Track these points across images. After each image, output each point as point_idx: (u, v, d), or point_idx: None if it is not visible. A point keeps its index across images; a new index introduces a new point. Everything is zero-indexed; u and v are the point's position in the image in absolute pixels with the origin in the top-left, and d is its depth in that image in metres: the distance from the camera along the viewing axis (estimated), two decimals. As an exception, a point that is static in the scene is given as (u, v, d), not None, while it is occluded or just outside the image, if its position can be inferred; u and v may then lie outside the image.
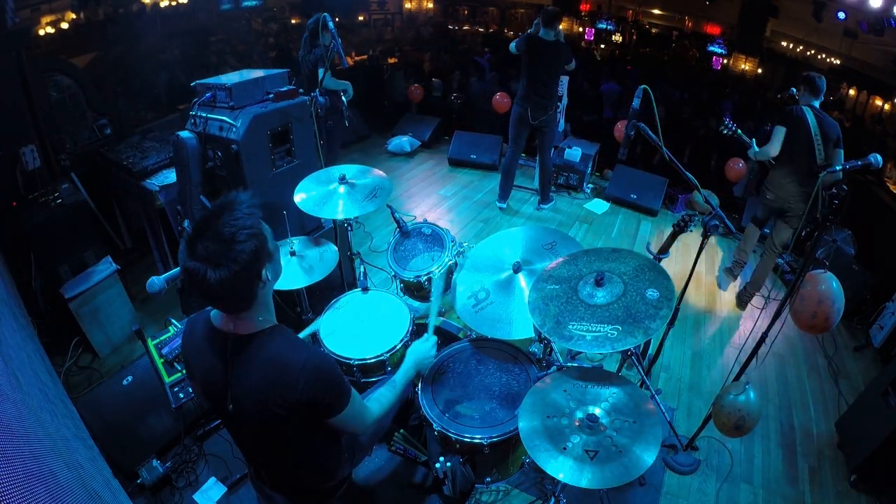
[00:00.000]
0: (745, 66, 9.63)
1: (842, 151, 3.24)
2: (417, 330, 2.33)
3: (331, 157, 4.63)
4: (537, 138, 4.66)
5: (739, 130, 3.52)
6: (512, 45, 4.40)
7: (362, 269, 2.77)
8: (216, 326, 1.28)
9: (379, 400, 1.55)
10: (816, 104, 3.26)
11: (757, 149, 3.47)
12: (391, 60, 8.10)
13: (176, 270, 1.78)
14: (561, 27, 4.42)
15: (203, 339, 1.30)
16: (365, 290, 2.44)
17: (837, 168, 2.92)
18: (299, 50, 4.27)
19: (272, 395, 1.22)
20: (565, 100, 4.94)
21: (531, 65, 4.32)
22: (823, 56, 8.45)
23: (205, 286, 1.11)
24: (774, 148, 3.31)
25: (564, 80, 4.88)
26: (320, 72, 3.86)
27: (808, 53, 8.78)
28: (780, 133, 3.29)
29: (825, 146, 3.20)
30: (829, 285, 1.96)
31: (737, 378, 2.26)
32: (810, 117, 3.20)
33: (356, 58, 7.47)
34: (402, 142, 6.35)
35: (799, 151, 3.26)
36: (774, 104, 7.22)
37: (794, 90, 5.32)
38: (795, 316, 2.03)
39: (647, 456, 1.40)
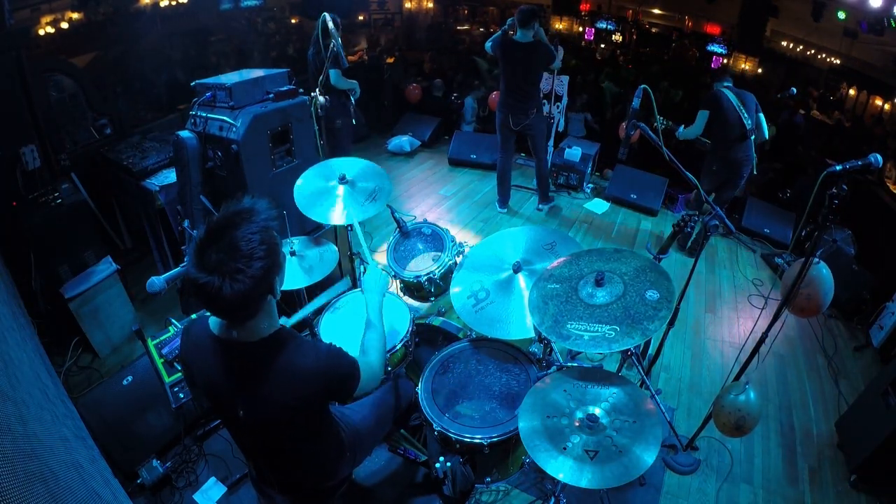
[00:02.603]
0: (745, 65, 9.61)
1: (762, 116, 3.83)
2: (417, 330, 2.33)
3: (342, 155, 4.63)
4: (528, 142, 4.52)
5: (669, 122, 3.95)
6: (487, 44, 4.21)
7: (362, 269, 2.77)
8: (217, 335, 1.25)
9: (372, 347, 1.54)
10: (730, 83, 3.86)
11: (682, 129, 3.96)
12: (390, 60, 8.09)
13: (176, 270, 1.78)
14: (547, 26, 4.29)
15: (205, 347, 1.27)
16: (365, 290, 2.43)
17: (765, 132, 3.83)
18: (309, 49, 4.27)
19: (289, 400, 1.23)
20: (565, 99, 4.94)
21: (506, 69, 4.14)
22: (823, 56, 8.44)
23: (218, 299, 1.08)
24: (698, 129, 3.88)
25: (565, 79, 4.87)
26: (332, 73, 3.86)
27: (808, 53, 8.77)
28: (703, 116, 3.83)
29: (748, 113, 3.72)
30: (819, 271, 1.98)
31: (737, 378, 2.26)
32: (728, 94, 3.75)
33: (366, 55, 7.53)
34: (402, 142, 6.35)
35: (730, 123, 3.76)
36: (774, 104, 7.22)
37: (794, 90, 5.36)
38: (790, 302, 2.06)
39: (647, 456, 1.40)
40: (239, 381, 1.24)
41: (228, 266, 1.07)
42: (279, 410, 1.24)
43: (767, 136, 3.89)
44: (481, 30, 11.87)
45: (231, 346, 1.23)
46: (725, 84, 3.84)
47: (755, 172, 4.04)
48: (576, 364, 2.19)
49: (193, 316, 2.19)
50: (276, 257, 1.17)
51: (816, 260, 1.97)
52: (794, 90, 5.34)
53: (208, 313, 1.27)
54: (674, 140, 4.16)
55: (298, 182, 2.44)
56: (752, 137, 3.81)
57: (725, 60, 10.07)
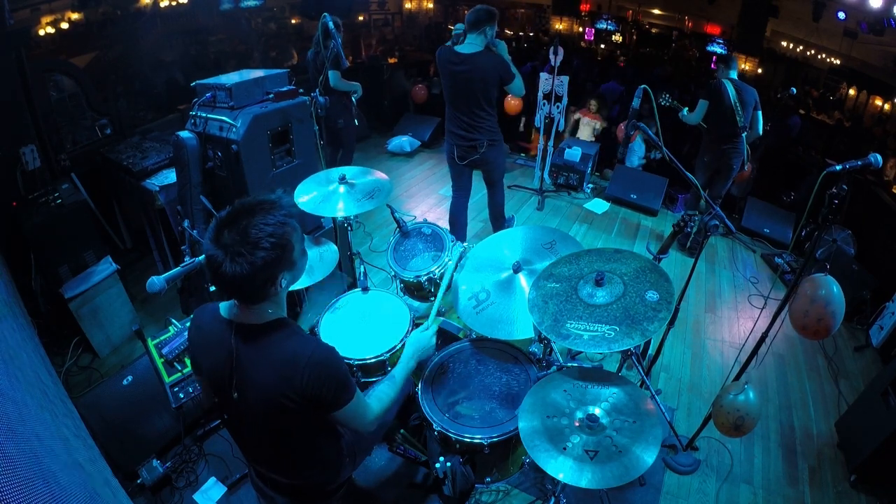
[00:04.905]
0: (745, 66, 9.62)
1: (760, 113, 3.93)
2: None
3: (347, 154, 4.65)
4: (482, 174, 3.63)
5: (675, 101, 4.18)
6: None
7: (362, 269, 2.77)
8: (223, 316, 1.30)
9: (379, 397, 1.54)
10: (734, 75, 3.90)
11: (686, 113, 4.10)
12: (391, 60, 8.09)
13: (176, 270, 1.78)
14: (494, 33, 3.08)
15: (209, 329, 1.32)
16: (365, 290, 2.44)
17: (759, 129, 3.94)
18: (309, 50, 4.28)
19: (279, 386, 1.23)
20: (566, 99, 4.92)
21: (447, 88, 3.21)
22: (823, 56, 8.44)
23: (219, 274, 1.15)
24: (696, 117, 4.00)
25: (564, 79, 4.84)
26: (331, 74, 3.86)
27: (808, 53, 8.77)
28: (702, 105, 3.95)
29: (744, 110, 3.82)
30: (829, 290, 1.94)
31: (737, 378, 2.27)
32: (729, 88, 3.81)
33: (372, 52, 7.59)
34: (402, 142, 6.35)
35: (723, 117, 3.86)
36: (774, 103, 7.23)
37: (794, 90, 5.38)
38: (793, 320, 2.02)
39: (647, 456, 1.40)
40: (237, 361, 1.26)
41: (234, 248, 1.13)
42: (268, 397, 1.24)
43: (761, 133, 4.02)
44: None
45: (235, 327, 1.27)
46: (731, 76, 3.87)
47: (745, 169, 4.16)
48: (576, 364, 2.19)
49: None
50: (282, 252, 1.19)
51: (825, 274, 1.94)
52: (794, 90, 5.35)
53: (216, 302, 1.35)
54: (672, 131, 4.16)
55: (300, 198, 2.44)
56: (745, 134, 3.89)
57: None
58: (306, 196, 2.45)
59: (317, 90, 2.94)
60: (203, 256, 1.22)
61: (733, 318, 3.69)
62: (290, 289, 2.29)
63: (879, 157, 1.80)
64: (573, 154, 5.41)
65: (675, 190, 5.31)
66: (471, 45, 3.05)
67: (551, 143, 5.13)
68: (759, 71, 9.49)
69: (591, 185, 5.55)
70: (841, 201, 1.82)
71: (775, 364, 3.23)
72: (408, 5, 11.94)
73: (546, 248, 2.17)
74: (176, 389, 2.27)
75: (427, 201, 5.18)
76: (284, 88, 2.69)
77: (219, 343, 1.29)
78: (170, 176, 3.17)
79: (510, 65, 3.12)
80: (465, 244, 2.48)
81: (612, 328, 1.56)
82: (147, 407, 2.41)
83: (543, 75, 4.89)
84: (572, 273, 1.79)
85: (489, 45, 3.08)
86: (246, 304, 1.26)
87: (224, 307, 1.32)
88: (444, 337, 2.41)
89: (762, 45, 9.15)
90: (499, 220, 3.97)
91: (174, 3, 6.77)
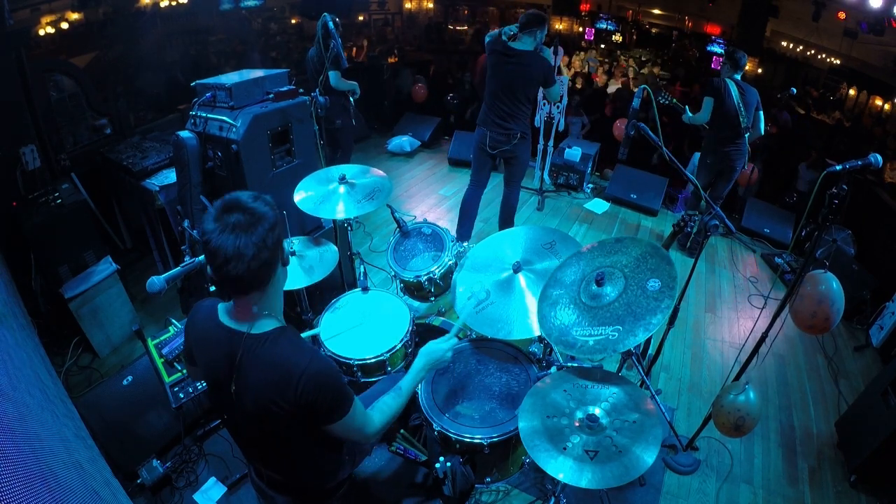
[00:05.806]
0: (746, 66, 9.66)
1: (762, 114, 3.92)
2: (417, 330, 2.33)
3: (345, 154, 4.65)
4: (504, 169, 3.81)
5: (674, 100, 4.09)
6: (486, 38, 3.55)
7: (362, 269, 2.77)
8: (222, 322, 1.28)
9: (382, 410, 1.49)
10: (738, 76, 3.88)
11: (690, 114, 4.03)
12: (391, 60, 8.09)
13: (176, 270, 1.78)
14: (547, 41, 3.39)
15: (206, 327, 1.31)
16: (365, 289, 2.44)
17: (761, 129, 3.95)
18: (310, 49, 4.27)
19: (272, 395, 1.23)
20: (566, 99, 4.92)
21: (492, 77, 3.44)
22: (823, 56, 8.45)
23: (221, 255, 1.12)
24: (705, 115, 3.92)
25: (565, 79, 4.85)
26: (331, 74, 3.86)
27: (808, 53, 8.78)
28: (708, 103, 3.88)
29: (747, 111, 3.80)
30: (828, 285, 1.95)
31: (737, 378, 2.27)
32: (732, 88, 3.79)
33: (370, 52, 7.66)
34: (402, 142, 6.35)
35: (727, 117, 3.82)
36: (774, 103, 7.24)
37: (794, 90, 5.36)
38: (795, 316, 2.03)
39: (648, 456, 1.40)
40: (236, 367, 1.25)
41: (243, 222, 1.13)
42: (261, 402, 1.24)
43: (762, 133, 4.01)
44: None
45: (233, 335, 1.26)
46: (735, 77, 3.85)
47: (745, 168, 4.15)
48: (576, 364, 2.19)
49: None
50: (280, 238, 1.21)
51: (824, 271, 1.95)
52: (794, 90, 5.36)
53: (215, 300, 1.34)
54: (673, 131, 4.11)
55: (299, 196, 2.44)
56: (747, 135, 3.88)
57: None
58: (305, 194, 2.45)
59: (317, 90, 2.94)
60: (203, 256, 1.20)
61: (733, 318, 3.69)
62: (289, 288, 2.31)
63: (879, 157, 1.80)
64: (573, 154, 5.41)
65: (674, 189, 5.31)
66: (523, 44, 3.35)
67: (551, 143, 5.13)
68: (759, 71, 9.49)
69: (591, 185, 5.55)
70: (841, 201, 1.82)
71: (775, 364, 3.23)
72: (408, 5, 11.96)
73: (546, 249, 2.17)
74: (176, 389, 2.27)
75: (427, 201, 5.18)
76: (284, 88, 2.69)
77: (216, 344, 1.28)
78: (170, 176, 3.16)
79: (550, 68, 3.44)
80: (466, 243, 2.48)
81: (616, 329, 1.57)
82: (147, 407, 2.41)
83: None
84: (575, 278, 1.79)
85: (538, 48, 3.39)
86: (243, 296, 1.23)
87: (222, 310, 1.30)
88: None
89: (762, 45, 9.15)
90: (508, 223, 4.02)
91: (174, 3, 6.77)
